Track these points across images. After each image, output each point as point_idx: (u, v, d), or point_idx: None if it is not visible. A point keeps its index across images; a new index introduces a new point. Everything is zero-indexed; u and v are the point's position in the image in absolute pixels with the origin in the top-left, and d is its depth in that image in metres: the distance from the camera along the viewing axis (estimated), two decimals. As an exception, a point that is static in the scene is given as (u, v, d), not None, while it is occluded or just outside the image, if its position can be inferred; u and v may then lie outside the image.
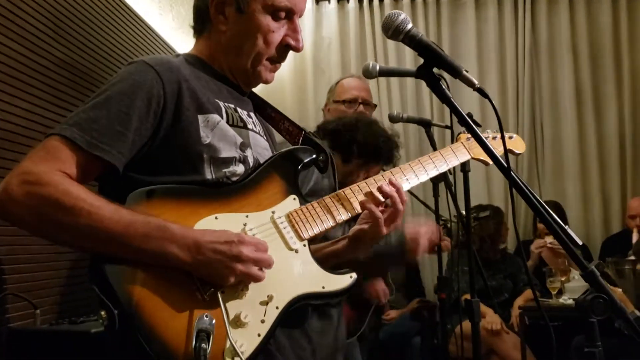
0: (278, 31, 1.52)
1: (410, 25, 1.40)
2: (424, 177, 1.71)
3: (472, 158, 1.86)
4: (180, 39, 3.89)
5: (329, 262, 1.61)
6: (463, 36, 5.35)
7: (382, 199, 1.57)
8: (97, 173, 1.34)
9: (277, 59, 1.55)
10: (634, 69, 5.22)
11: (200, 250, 1.26)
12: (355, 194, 1.57)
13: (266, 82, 1.58)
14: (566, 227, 1.85)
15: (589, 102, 5.21)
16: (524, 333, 3.86)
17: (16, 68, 1.95)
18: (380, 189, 1.58)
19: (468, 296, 2.53)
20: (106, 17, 2.62)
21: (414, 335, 4.31)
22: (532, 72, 5.26)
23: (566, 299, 3.83)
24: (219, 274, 1.28)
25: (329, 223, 1.50)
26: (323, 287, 1.45)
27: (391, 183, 1.59)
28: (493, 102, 1.42)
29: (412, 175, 1.68)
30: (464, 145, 1.85)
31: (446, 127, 3.16)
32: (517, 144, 2.05)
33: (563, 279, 3.91)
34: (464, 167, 2.60)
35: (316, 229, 1.48)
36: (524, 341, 3.81)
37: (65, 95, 2.21)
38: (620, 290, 3.22)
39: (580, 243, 1.78)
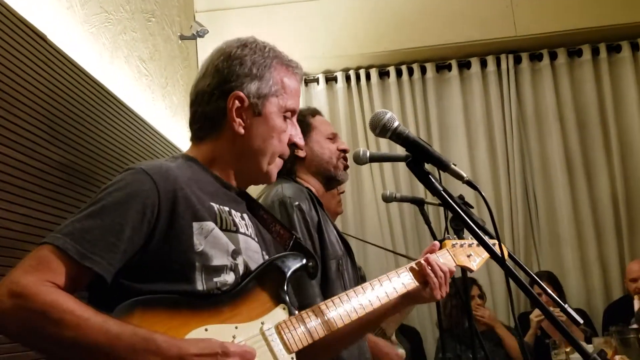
0: (287, 130, 1.63)
1: (396, 123, 1.45)
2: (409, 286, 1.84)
3: (457, 265, 1.96)
4: (174, 127, 3.96)
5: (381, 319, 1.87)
6: (450, 110, 5.44)
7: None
8: (87, 282, 1.36)
9: (284, 156, 1.64)
10: (621, 132, 5.29)
11: None
12: (344, 304, 1.62)
13: (273, 180, 1.66)
14: (566, 305, 1.87)
15: (580, 168, 5.26)
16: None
17: (12, 174, 1.97)
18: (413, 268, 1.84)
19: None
20: (100, 115, 2.66)
21: None
22: (520, 142, 5.33)
23: (573, 371, 3.78)
24: None
25: (318, 334, 1.52)
26: None
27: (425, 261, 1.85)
28: (485, 187, 1.45)
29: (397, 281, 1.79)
30: (449, 253, 1.97)
31: (439, 204, 3.19)
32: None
33: (568, 349, 3.86)
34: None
35: (305, 341, 1.49)
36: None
37: (63, 197, 2.23)
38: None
39: (581, 321, 1.78)
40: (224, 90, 1.58)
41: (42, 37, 2.27)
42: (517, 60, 5.43)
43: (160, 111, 3.78)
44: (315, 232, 2.16)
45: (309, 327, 1.51)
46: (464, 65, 5.47)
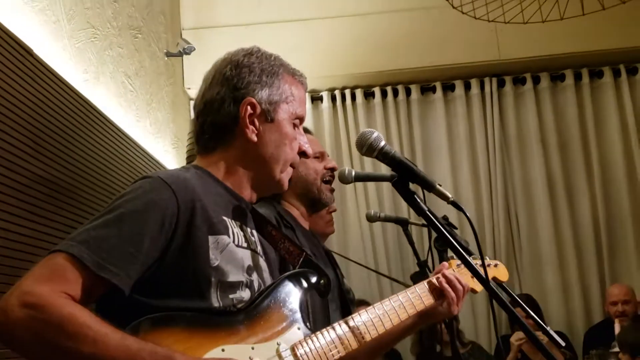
0: (297, 138, 1.62)
1: (383, 143, 1.45)
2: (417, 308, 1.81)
3: None
4: (158, 143, 3.95)
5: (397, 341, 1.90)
6: (434, 132, 5.47)
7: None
8: (100, 294, 1.30)
9: (294, 164, 1.63)
10: (602, 156, 5.35)
11: None
12: (361, 321, 1.58)
13: (284, 189, 1.65)
14: (548, 328, 1.87)
15: (561, 191, 5.30)
16: None
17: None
18: (431, 283, 1.87)
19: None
20: (84, 130, 2.65)
21: None
22: (503, 164, 5.37)
23: (553, 394, 3.77)
24: None
25: (335, 355, 1.47)
26: None
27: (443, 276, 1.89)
28: (468, 208, 1.46)
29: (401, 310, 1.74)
30: (455, 273, 1.95)
31: (423, 225, 3.19)
32: (501, 272, 2.14)
33: (548, 372, 3.85)
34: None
35: None
36: None
37: (45, 212, 2.21)
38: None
39: (563, 344, 1.79)
40: (236, 97, 1.55)
41: (29, 51, 2.27)
42: (501, 84, 5.49)
43: (145, 127, 3.77)
44: None
45: (325, 348, 1.46)
46: (448, 88, 5.52)
